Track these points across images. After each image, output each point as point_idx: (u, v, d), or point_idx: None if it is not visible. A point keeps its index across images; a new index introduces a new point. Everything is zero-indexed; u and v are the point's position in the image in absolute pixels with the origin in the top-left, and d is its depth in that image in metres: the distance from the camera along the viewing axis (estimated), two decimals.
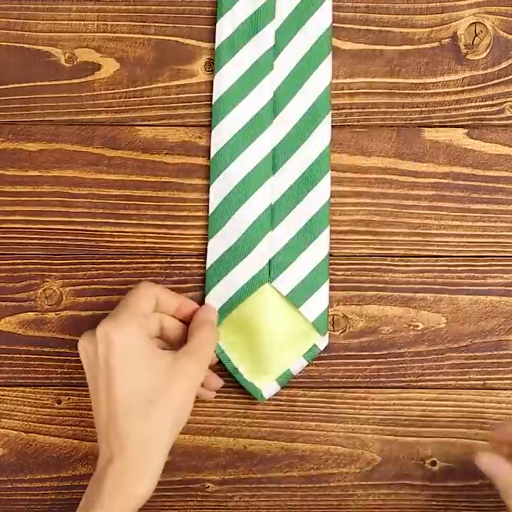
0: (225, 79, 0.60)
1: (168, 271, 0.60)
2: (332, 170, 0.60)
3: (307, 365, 0.60)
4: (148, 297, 0.52)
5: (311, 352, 0.60)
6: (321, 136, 0.59)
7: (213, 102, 0.60)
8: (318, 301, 0.59)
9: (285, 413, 0.60)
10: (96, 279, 0.59)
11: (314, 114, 0.59)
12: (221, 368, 0.60)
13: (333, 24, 0.60)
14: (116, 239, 0.60)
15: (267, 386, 0.60)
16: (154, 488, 0.49)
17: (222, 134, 0.60)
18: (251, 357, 0.59)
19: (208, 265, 0.60)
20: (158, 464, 0.49)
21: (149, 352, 0.50)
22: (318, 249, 0.59)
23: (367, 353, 0.60)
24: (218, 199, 0.60)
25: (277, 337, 0.59)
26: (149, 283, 0.53)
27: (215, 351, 0.59)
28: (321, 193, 0.60)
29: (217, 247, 0.60)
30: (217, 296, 0.60)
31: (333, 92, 0.61)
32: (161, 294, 0.53)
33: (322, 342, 0.60)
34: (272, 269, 0.59)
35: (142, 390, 0.49)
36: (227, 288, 0.59)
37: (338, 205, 0.60)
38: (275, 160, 0.60)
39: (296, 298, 0.59)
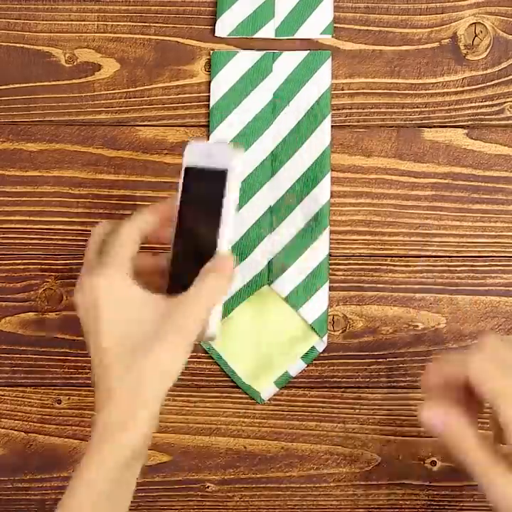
0: (221, 84, 0.60)
1: None
2: (332, 170, 0.60)
3: (307, 366, 0.60)
4: (134, 242, 0.49)
5: (309, 354, 0.60)
6: (321, 137, 0.59)
7: (210, 107, 0.60)
8: (318, 303, 0.59)
9: (285, 413, 0.60)
10: None
11: (314, 115, 0.59)
12: (219, 369, 0.60)
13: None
14: None
15: (266, 388, 0.60)
16: (148, 443, 0.46)
17: (221, 137, 0.60)
18: (249, 359, 0.59)
19: None
20: (147, 416, 0.46)
21: (140, 298, 0.47)
22: (318, 250, 0.59)
23: (367, 353, 0.60)
24: None
25: (276, 339, 0.59)
26: (129, 223, 0.49)
27: (214, 350, 0.59)
28: (321, 193, 0.60)
29: None
30: None
31: (333, 92, 0.61)
32: (146, 229, 0.50)
33: (321, 344, 0.60)
34: (272, 271, 0.59)
35: (131, 338, 0.46)
36: None
37: (338, 205, 0.60)
38: (275, 161, 0.60)
39: (295, 300, 0.59)
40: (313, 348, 0.59)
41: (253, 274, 0.59)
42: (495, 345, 0.43)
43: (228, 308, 0.59)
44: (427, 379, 0.45)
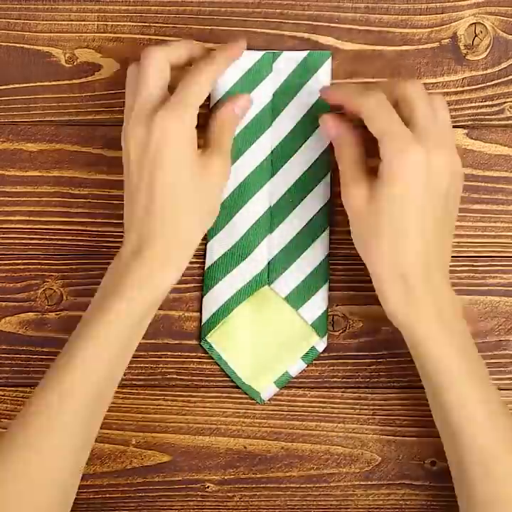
0: (221, 84, 0.60)
1: None
2: (333, 170, 0.59)
3: (307, 366, 0.60)
4: (207, 87, 0.53)
5: (309, 354, 0.59)
6: (321, 136, 0.59)
7: (210, 107, 0.59)
8: (318, 303, 0.59)
9: (285, 413, 0.60)
10: (96, 279, 0.58)
11: (314, 115, 0.59)
12: (219, 369, 0.60)
13: (333, 24, 0.60)
14: (116, 239, 0.60)
15: (266, 388, 0.60)
16: (176, 282, 0.51)
17: None
18: (249, 359, 0.59)
19: (206, 266, 0.60)
20: (185, 259, 0.51)
21: (193, 150, 0.51)
22: (318, 250, 0.59)
23: (366, 353, 0.60)
24: None
25: (276, 339, 0.59)
26: (158, 53, 0.53)
27: (215, 350, 0.59)
28: (321, 193, 0.60)
29: (216, 249, 0.59)
30: (215, 297, 0.60)
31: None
32: (174, 59, 0.54)
33: (321, 344, 0.59)
34: (271, 272, 0.59)
35: (182, 185, 0.50)
36: (226, 289, 0.59)
37: (339, 205, 0.58)
38: (274, 162, 0.59)
39: (295, 300, 0.59)
40: (313, 348, 0.59)
41: (253, 274, 0.59)
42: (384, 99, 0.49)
43: (228, 308, 0.59)
44: (334, 94, 0.53)
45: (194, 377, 0.60)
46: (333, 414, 0.60)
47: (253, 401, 0.60)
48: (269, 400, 0.60)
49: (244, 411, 0.60)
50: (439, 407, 0.50)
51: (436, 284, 0.49)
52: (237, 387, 0.60)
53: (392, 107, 0.49)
